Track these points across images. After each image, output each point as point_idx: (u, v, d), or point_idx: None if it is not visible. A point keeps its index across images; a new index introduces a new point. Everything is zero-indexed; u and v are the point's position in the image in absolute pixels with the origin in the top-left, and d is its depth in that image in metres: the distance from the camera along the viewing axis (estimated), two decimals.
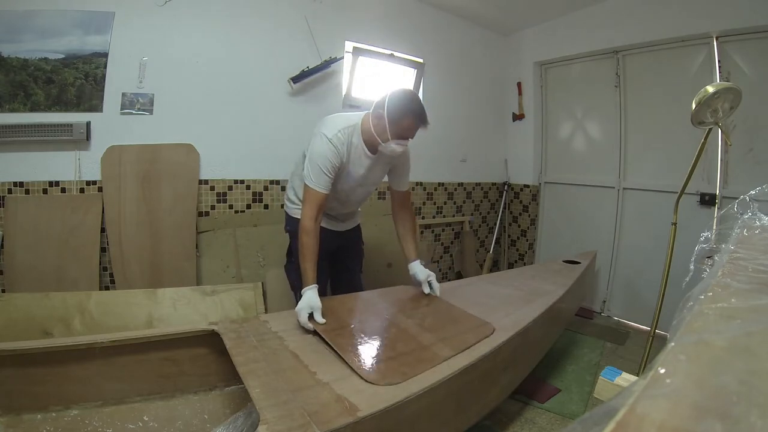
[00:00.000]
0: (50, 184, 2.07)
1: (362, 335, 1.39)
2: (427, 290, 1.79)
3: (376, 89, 2.99)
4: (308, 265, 1.56)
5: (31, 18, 1.94)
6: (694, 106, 1.72)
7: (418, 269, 1.81)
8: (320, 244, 1.64)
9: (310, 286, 1.52)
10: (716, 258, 1.02)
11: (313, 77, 2.58)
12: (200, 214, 2.37)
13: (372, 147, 1.63)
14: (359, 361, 1.20)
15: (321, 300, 1.49)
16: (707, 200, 2.55)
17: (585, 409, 1.92)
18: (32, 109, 1.99)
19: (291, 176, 1.92)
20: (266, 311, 2.26)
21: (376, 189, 1.88)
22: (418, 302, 1.73)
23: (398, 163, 1.77)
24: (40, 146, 2.01)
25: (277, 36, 2.50)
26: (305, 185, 1.59)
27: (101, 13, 2.05)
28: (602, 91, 3.13)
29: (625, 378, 1.44)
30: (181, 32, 2.24)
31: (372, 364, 1.20)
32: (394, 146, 1.56)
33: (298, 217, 1.69)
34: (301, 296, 1.50)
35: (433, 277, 1.81)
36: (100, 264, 2.14)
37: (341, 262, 1.99)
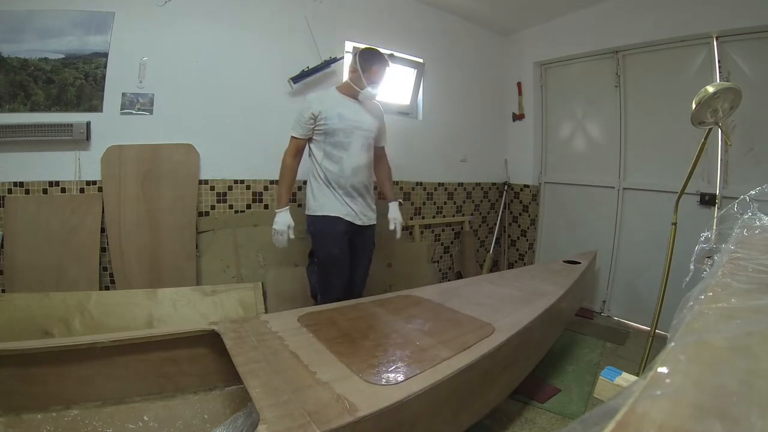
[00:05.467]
0: (50, 184, 2.07)
1: (363, 342, 1.39)
2: (392, 227, 2.26)
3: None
4: (283, 189, 2.01)
5: (31, 18, 1.94)
6: (694, 106, 1.72)
7: (392, 208, 2.27)
8: (342, 237, 1.98)
9: (285, 207, 1.98)
10: (716, 258, 1.01)
11: (313, 77, 2.57)
12: (200, 214, 2.37)
13: (352, 95, 2.04)
14: (359, 364, 1.20)
15: (323, 308, 1.68)
16: (707, 200, 2.55)
17: (585, 409, 1.92)
18: (32, 109, 1.99)
19: (308, 178, 2.11)
20: (266, 311, 2.27)
21: (374, 182, 2.22)
22: (419, 308, 1.73)
23: (378, 120, 2.16)
24: (40, 146, 2.01)
25: (277, 36, 2.50)
26: (290, 137, 2.03)
27: (101, 13, 2.05)
28: (602, 91, 3.12)
29: (625, 378, 1.43)
30: (181, 32, 2.24)
31: (372, 366, 1.20)
32: (370, 90, 2.00)
33: (320, 214, 1.99)
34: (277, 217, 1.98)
35: (398, 222, 2.25)
36: (100, 264, 2.14)
37: (355, 258, 2.14)
